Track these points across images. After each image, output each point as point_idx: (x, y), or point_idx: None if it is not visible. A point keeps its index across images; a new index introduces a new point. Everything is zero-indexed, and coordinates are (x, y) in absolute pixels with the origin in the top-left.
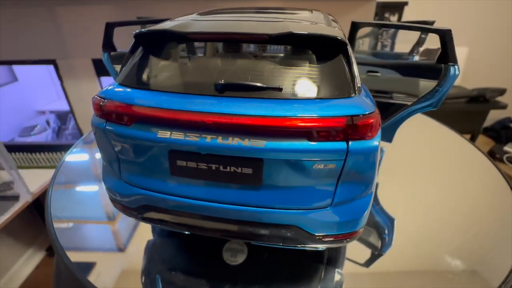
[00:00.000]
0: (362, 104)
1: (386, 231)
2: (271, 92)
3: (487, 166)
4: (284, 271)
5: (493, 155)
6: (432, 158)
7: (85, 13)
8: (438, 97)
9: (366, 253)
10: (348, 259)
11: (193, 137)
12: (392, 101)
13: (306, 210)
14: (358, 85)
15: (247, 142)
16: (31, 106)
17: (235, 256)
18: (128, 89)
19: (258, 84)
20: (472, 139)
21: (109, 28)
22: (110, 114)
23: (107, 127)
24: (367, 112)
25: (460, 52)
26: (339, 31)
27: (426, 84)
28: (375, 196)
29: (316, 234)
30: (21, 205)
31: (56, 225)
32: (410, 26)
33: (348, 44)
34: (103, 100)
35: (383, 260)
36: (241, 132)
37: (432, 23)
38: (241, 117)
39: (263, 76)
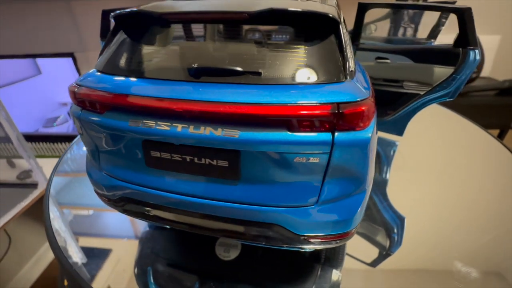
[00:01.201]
0: (352, 90)
1: (396, 230)
2: (250, 77)
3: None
4: (278, 268)
5: None
6: (450, 154)
7: (101, 7)
8: (455, 85)
9: (374, 252)
10: (355, 258)
11: (164, 126)
12: (403, 90)
13: (289, 208)
14: (351, 69)
15: (220, 132)
16: (54, 98)
17: (228, 251)
18: (103, 76)
19: (234, 68)
20: (501, 135)
21: (106, 15)
22: (83, 102)
23: (82, 115)
24: (357, 99)
25: (491, 40)
26: (332, 9)
27: (441, 71)
28: (384, 193)
29: (301, 234)
30: (40, 192)
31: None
32: (424, 6)
33: (341, 23)
34: (77, 87)
35: (391, 260)
36: (213, 121)
37: (453, 2)
38: (213, 104)
39: (244, 60)
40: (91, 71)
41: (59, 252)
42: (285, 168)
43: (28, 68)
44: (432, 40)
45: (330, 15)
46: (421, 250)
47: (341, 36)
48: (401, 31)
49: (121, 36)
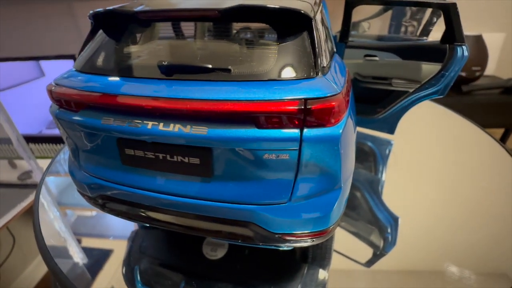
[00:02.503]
0: (322, 86)
1: (389, 230)
2: (220, 74)
3: (508, 163)
4: (264, 267)
5: None
6: (445, 152)
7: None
8: (444, 82)
9: (368, 252)
10: (349, 257)
11: (135, 124)
12: (391, 88)
13: (262, 206)
14: (323, 65)
15: (188, 129)
16: None
17: (215, 250)
18: (78, 74)
19: (203, 65)
20: (506, 133)
21: None
22: (59, 100)
23: (59, 113)
24: (327, 95)
25: (496, 38)
26: (305, 5)
27: (429, 68)
28: (378, 192)
29: (276, 232)
30: None
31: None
32: (410, 2)
33: (314, 20)
34: (54, 86)
35: (384, 260)
36: (182, 118)
37: None
38: (180, 101)
39: (215, 57)
40: (69, 70)
41: (48, 256)
42: (256, 165)
43: (32, 70)
44: (425, 37)
45: (302, 12)
46: (414, 250)
47: (313, 33)
48: (402, 29)
49: (99, 35)
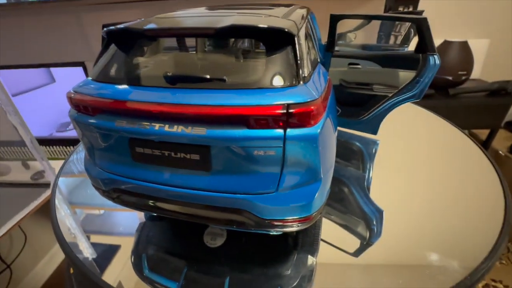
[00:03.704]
0: (302, 92)
1: (375, 222)
2: (217, 83)
3: (484, 163)
4: (259, 254)
5: None
6: (428, 152)
7: (108, 19)
8: (420, 88)
9: (356, 243)
10: (338, 248)
11: (144, 126)
12: (373, 92)
13: (254, 195)
14: (304, 75)
15: (190, 130)
16: (67, 104)
17: (215, 239)
18: (93, 83)
19: (202, 76)
20: (492, 134)
21: None
22: (78, 106)
23: (78, 117)
24: (306, 100)
25: (481, 44)
26: (290, 23)
27: (405, 75)
28: (366, 188)
29: (266, 218)
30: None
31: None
32: (387, 17)
33: (297, 36)
34: (74, 93)
35: (371, 254)
36: (184, 120)
37: (420, 12)
38: (183, 106)
39: (213, 68)
40: (86, 79)
41: (64, 242)
42: (247, 160)
43: (43, 76)
44: (406, 46)
45: (286, 30)
46: (398, 244)
47: (296, 48)
48: (391, 39)
49: (111, 48)
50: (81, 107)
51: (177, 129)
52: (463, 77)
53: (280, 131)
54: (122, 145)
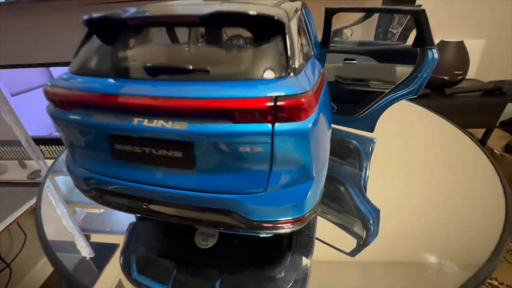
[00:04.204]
0: (292, 84)
1: (372, 221)
2: (200, 75)
3: (483, 161)
4: (251, 255)
5: (510, 149)
6: (425, 150)
7: None
8: (417, 83)
9: (352, 242)
10: (334, 247)
11: (122, 121)
12: (369, 89)
13: (240, 195)
14: (295, 66)
15: (170, 125)
16: None
17: (206, 240)
18: (72, 76)
19: (183, 66)
20: (487, 133)
21: None
22: (54, 100)
23: (54, 112)
24: (297, 93)
25: (477, 44)
26: (280, 11)
27: (403, 70)
28: (362, 187)
29: (254, 220)
30: None
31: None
32: (385, 9)
33: (288, 25)
34: (49, 86)
35: (367, 253)
36: (164, 114)
37: (419, 6)
38: (162, 99)
39: (197, 59)
40: (64, 72)
41: (51, 252)
42: (233, 157)
43: (43, 76)
44: (403, 41)
45: (276, 18)
46: (396, 244)
47: (286, 37)
48: (389, 35)
49: (92, 40)
50: (57, 101)
51: (157, 124)
52: (459, 77)
53: (267, 126)
54: (101, 142)
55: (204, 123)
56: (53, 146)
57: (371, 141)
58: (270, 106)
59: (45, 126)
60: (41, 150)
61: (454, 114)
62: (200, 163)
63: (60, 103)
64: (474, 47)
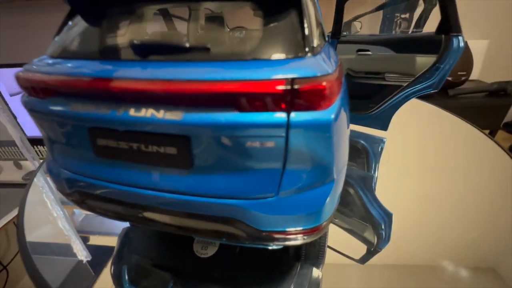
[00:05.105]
0: (311, 65)
1: (383, 226)
2: (200, 54)
3: (503, 161)
4: (256, 266)
5: None
6: (437, 150)
7: None
8: (439, 76)
9: (362, 249)
10: (343, 254)
11: (104, 110)
12: (385, 82)
13: (248, 200)
14: (313, 45)
15: (162, 114)
16: None
17: (206, 248)
18: (48, 59)
19: (179, 44)
20: (491, 135)
21: None
22: (27, 88)
23: (27, 102)
24: (316, 75)
25: (480, 45)
26: None
27: (424, 61)
28: (372, 189)
29: (263, 230)
30: None
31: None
32: None
33: None
34: (22, 72)
35: (378, 255)
36: (154, 101)
37: None
38: (151, 82)
39: (196, 37)
40: (41, 56)
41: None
42: (238, 154)
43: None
44: (420, 30)
45: None
46: (407, 247)
47: (302, 10)
48: (394, 26)
49: (75, 19)
50: (30, 88)
51: (146, 113)
52: (463, 78)
53: (282, 116)
54: (82, 136)
55: (203, 112)
56: None
57: (381, 141)
58: (285, 90)
59: None
60: (39, 151)
61: (457, 115)
62: (198, 161)
63: (34, 91)
64: (478, 48)
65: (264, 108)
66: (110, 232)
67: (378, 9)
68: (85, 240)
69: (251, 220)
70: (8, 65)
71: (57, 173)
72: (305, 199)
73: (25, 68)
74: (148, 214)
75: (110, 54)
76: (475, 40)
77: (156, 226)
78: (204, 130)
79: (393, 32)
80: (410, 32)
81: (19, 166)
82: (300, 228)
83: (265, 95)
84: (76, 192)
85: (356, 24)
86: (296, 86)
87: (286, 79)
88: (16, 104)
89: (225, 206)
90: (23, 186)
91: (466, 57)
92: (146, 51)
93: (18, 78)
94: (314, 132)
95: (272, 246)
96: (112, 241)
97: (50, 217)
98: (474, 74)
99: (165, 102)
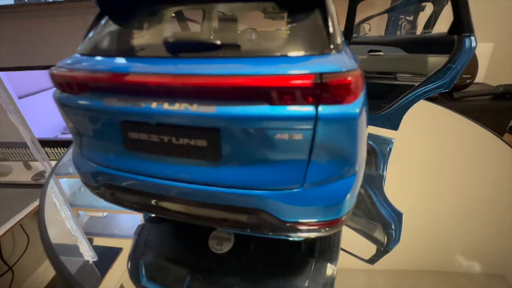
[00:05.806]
0: (337, 61)
1: (393, 226)
2: (230, 51)
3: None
4: (271, 262)
5: None
6: (447, 150)
7: None
8: (451, 76)
9: (372, 249)
10: (352, 254)
11: (138, 104)
12: (396, 82)
13: (274, 191)
14: (337, 43)
15: (195, 108)
16: None
17: (221, 244)
18: (81, 57)
19: (211, 41)
20: None
21: None
22: (60, 84)
23: (60, 98)
24: (343, 70)
25: (485, 48)
26: None
27: (436, 61)
28: (381, 189)
29: (288, 220)
30: None
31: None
32: None
33: None
34: (56, 68)
35: (386, 257)
36: (188, 95)
37: None
38: (187, 77)
39: (225, 35)
40: (73, 55)
41: (54, 254)
42: (267, 147)
43: (49, 79)
44: (430, 30)
45: None
46: (416, 247)
47: (326, 8)
48: (398, 28)
49: (105, 20)
50: (64, 84)
51: (180, 107)
52: (468, 81)
53: (310, 109)
54: (113, 130)
55: (235, 105)
56: (59, 149)
57: (389, 141)
58: (315, 84)
59: (50, 128)
60: (46, 153)
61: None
62: (226, 153)
63: (68, 87)
64: (483, 51)
65: (294, 102)
66: (114, 234)
67: (387, 11)
68: (89, 241)
69: (276, 211)
70: (16, 68)
71: (83, 166)
72: (328, 191)
73: (59, 65)
74: (173, 206)
75: (142, 51)
76: (481, 43)
77: (180, 217)
78: (235, 123)
79: (398, 33)
80: (416, 33)
81: (28, 167)
82: (322, 220)
83: (295, 89)
84: (103, 185)
85: (365, 26)
86: (324, 80)
87: (315, 73)
88: (24, 106)
89: (251, 197)
90: (32, 186)
91: (471, 60)
92: (177, 49)
93: (52, 75)
94: (340, 125)
95: (294, 238)
96: (115, 243)
97: (58, 217)
98: (479, 77)
99: (198, 97)
